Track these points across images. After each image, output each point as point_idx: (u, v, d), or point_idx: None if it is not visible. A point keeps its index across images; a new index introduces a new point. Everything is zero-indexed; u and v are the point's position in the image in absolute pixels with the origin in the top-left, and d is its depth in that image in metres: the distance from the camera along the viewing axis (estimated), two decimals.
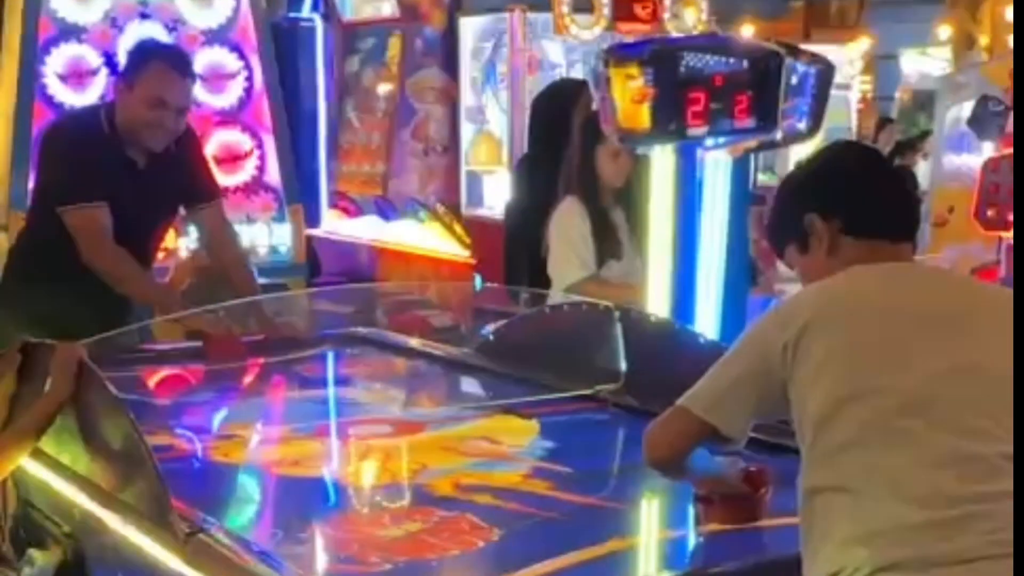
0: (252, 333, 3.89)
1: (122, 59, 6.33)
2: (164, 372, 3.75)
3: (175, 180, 3.99)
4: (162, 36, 6.48)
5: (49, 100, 6.34)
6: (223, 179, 5.74)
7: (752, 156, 3.86)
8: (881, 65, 14.55)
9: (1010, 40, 11.55)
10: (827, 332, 2.05)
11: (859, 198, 2.21)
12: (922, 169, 10.74)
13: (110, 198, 3.81)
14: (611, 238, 4.01)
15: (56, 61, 6.36)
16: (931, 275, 2.39)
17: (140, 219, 3.92)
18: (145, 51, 4.12)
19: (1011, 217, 6.45)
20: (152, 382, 3.68)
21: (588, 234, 3.98)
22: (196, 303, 4.07)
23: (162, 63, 3.90)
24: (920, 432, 1.95)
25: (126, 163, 3.88)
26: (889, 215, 2.22)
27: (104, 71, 6.43)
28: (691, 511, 2.34)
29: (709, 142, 3.55)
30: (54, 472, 2.60)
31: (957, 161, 8.94)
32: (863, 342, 2.04)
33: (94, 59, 6.42)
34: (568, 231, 4.01)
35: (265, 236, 7.03)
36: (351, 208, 9.48)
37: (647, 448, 2.19)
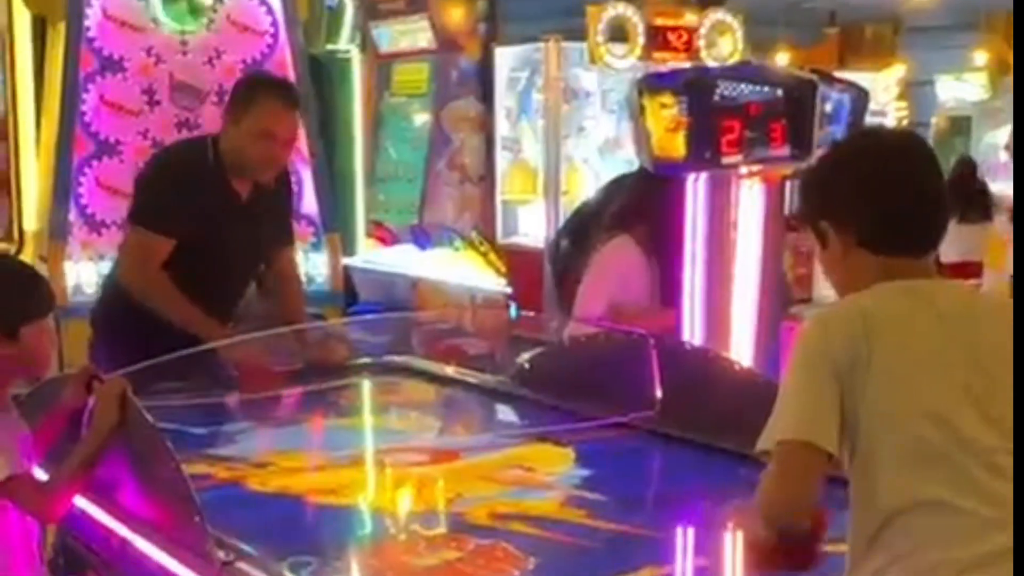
0: (290, 362, 3.91)
1: (156, 87, 6.43)
2: (202, 401, 3.77)
3: (274, 217, 3.92)
4: (201, 68, 6.54)
5: (91, 132, 6.41)
6: None
7: (787, 184, 3.86)
8: (917, 91, 14.48)
9: None
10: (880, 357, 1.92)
11: (873, 213, 2.03)
12: None
13: (211, 231, 3.72)
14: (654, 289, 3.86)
15: (97, 94, 6.42)
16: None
17: (241, 252, 3.85)
18: (252, 85, 3.99)
19: None
20: (191, 411, 3.70)
21: (629, 277, 3.87)
22: None
23: (270, 96, 3.81)
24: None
25: (230, 194, 3.80)
26: (909, 231, 2.04)
27: (144, 103, 6.49)
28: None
29: (744, 170, 3.56)
30: (92, 501, 2.62)
31: (993, 188, 8.91)
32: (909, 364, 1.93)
33: (135, 92, 6.49)
34: (613, 267, 3.88)
35: (302, 265, 7.05)
36: (387, 237, 9.52)
37: (774, 508, 1.92)
